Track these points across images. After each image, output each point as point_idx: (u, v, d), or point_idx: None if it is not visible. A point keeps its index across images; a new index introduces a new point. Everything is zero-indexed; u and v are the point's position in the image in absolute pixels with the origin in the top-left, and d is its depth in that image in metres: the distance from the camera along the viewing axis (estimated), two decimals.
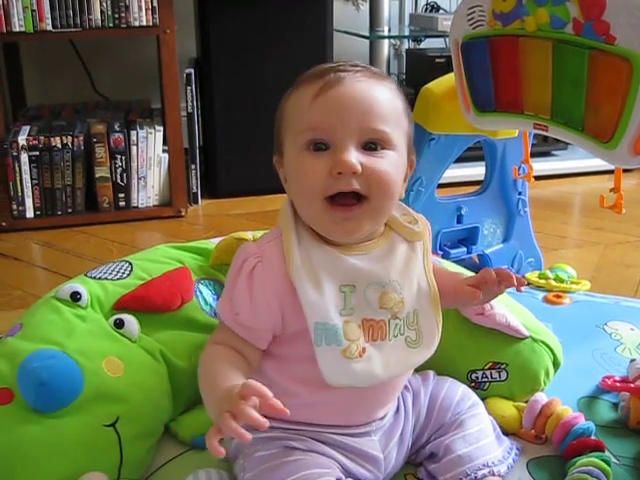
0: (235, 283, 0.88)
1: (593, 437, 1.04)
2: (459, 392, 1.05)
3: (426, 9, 2.89)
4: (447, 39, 2.57)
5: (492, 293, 0.97)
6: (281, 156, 0.92)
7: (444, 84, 1.44)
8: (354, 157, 0.84)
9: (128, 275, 1.15)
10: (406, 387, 1.03)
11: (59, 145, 2.11)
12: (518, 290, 0.95)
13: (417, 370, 1.05)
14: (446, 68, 1.41)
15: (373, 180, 0.85)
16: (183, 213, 2.24)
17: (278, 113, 0.93)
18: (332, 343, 0.86)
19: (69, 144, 2.12)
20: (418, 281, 0.94)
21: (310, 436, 0.93)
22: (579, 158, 2.57)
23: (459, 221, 1.60)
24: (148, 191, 2.23)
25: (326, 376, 0.86)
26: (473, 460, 0.96)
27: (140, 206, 2.24)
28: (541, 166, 2.37)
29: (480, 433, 1.00)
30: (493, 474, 0.96)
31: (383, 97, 0.87)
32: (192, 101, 2.25)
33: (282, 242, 0.89)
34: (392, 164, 0.87)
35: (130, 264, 1.18)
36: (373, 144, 0.86)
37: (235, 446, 0.96)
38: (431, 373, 1.08)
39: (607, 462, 0.98)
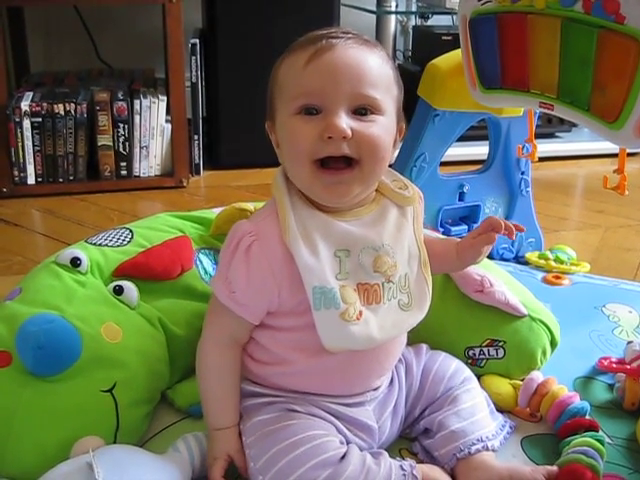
0: (230, 262, 0.89)
1: (588, 417, 1.04)
2: (452, 366, 1.06)
3: None
4: (454, 16, 2.56)
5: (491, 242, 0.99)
6: (273, 122, 0.93)
7: (450, 60, 1.43)
8: (344, 122, 0.85)
9: (128, 242, 1.15)
10: (399, 360, 1.04)
11: (62, 112, 2.10)
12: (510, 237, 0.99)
13: (411, 344, 1.06)
14: (453, 46, 1.40)
15: (363, 144, 0.86)
16: (185, 184, 2.23)
17: (271, 79, 0.93)
18: (331, 306, 0.87)
19: (72, 111, 2.11)
20: (409, 245, 0.96)
21: (308, 403, 0.94)
22: (583, 140, 2.56)
23: (461, 199, 1.60)
24: (150, 161, 2.23)
25: (324, 340, 0.88)
26: (467, 435, 0.97)
27: (142, 175, 2.23)
28: (545, 147, 2.35)
29: (474, 408, 1.01)
30: (487, 449, 0.96)
31: (374, 64, 0.88)
32: (196, 72, 2.24)
33: (277, 214, 0.90)
34: (382, 128, 0.88)
35: (131, 231, 1.18)
36: (363, 109, 0.87)
37: None
38: (424, 347, 1.08)
39: (601, 442, 0.98)
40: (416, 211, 0.99)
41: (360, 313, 0.89)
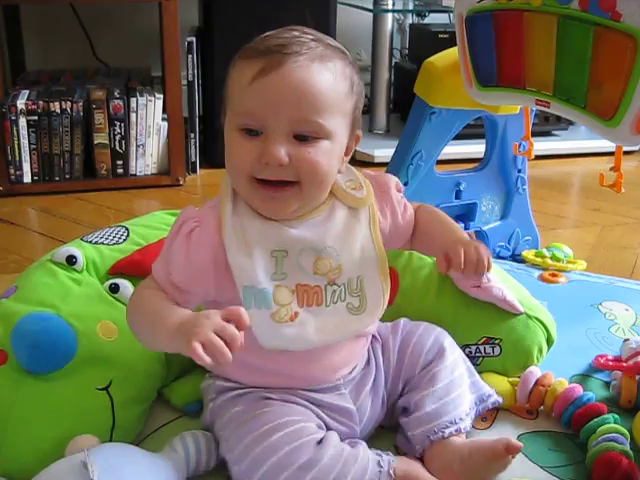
0: (171, 244, 0.89)
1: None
2: (431, 338, 1.04)
3: None
4: (451, 14, 2.55)
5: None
6: (224, 119, 0.92)
7: (447, 58, 1.43)
8: (282, 149, 0.84)
9: (124, 240, 1.15)
10: (375, 337, 1.04)
11: (58, 110, 2.10)
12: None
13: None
14: (449, 44, 1.40)
15: (302, 169, 0.86)
16: (181, 182, 2.23)
17: (227, 77, 0.92)
18: (262, 306, 0.88)
19: (68, 109, 2.10)
20: (362, 247, 0.95)
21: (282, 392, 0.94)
22: (580, 139, 2.57)
23: (457, 197, 1.60)
24: (146, 159, 2.22)
25: (260, 339, 0.88)
26: (441, 417, 0.97)
27: (138, 174, 2.23)
28: (541, 146, 2.36)
29: (450, 385, 1.00)
30: (460, 431, 0.97)
31: (323, 85, 0.86)
32: (193, 70, 2.23)
33: (219, 208, 0.90)
34: (323, 153, 0.87)
35: (127, 229, 1.18)
36: (304, 134, 0.86)
37: (211, 410, 0.97)
38: (402, 321, 1.08)
39: (617, 422, 1.01)
40: (371, 210, 0.97)
41: (295, 314, 0.89)
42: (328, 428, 0.94)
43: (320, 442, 0.87)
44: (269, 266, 0.89)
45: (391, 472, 0.89)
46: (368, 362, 1.01)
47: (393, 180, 1.02)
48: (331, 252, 0.92)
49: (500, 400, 1.05)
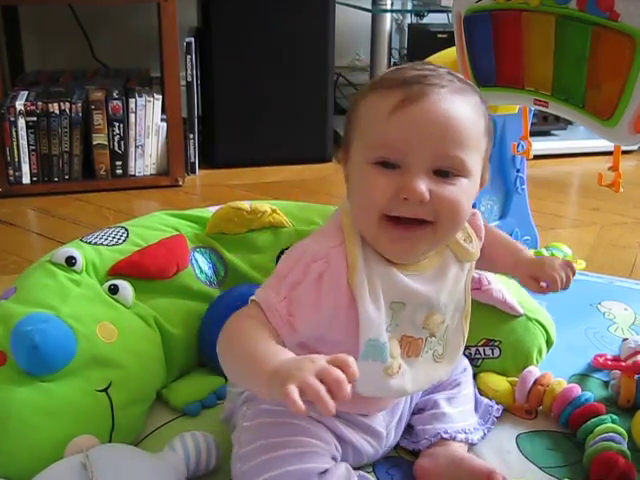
0: (298, 284, 0.82)
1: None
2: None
3: None
4: (450, 14, 2.55)
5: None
6: (347, 154, 0.87)
7: (445, 58, 1.42)
8: (424, 184, 0.79)
9: (124, 241, 1.15)
10: None
11: (57, 111, 2.09)
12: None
13: None
14: (448, 44, 1.40)
15: (441, 208, 0.80)
16: (180, 182, 2.23)
17: (351, 110, 0.87)
18: (378, 360, 0.84)
19: (67, 110, 2.10)
20: (458, 298, 0.93)
21: None
22: (578, 138, 2.56)
23: None
24: (145, 160, 2.22)
25: (360, 387, 0.82)
26: (455, 422, 0.99)
27: (137, 174, 2.23)
28: (540, 145, 2.36)
29: (465, 398, 1.03)
30: (467, 441, 0.98)
31: (466, 119, 0.81)
32: (192, 70, 2.23)
33: (345, 248, 0.84)
34: (463, 192, 0.82)
35: (126, 230, 1.17)
36: (446, 171, 0.81)
37: (242, 399, 0.95)
38: None
39: (615, 422, 1.01)
40: (472, 263, 0.94)
41: (399, 367, 0.87)
42: (356, 449, 0.93)
43: (325, 472, 0.85)
44: (387, 318, 0.85)
45: None
46: None
47: (481, 218, 0.98)
48: (442, 308, 0.89)
49: (500, 408, 1.08)
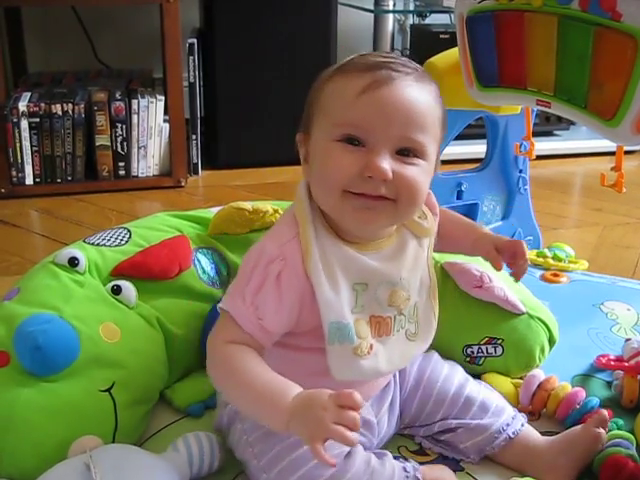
0: (260, 288, 0.84)
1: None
2: (446, 364, 1.06)
3: None
4: (452, 15, 2.55)
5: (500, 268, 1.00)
6: (307, 135, 0.89)
7: (448, 58, 1.43)
8: (387, 163, 0.82)
9: (126, 242, 1.15)
10: None
11: (60, 112, 2.10)
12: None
13: None
14: (450, 44, 1.40)
15: (402, 187, 0.83)
16: (183, 183, 2.23)
17: (313, 94, 0.89)
18: (345, 341, 0.86)
19: (70, 111, 2.11)
20: (422, 274, 0.95)
21: None
22: (581, 138, 2.56)
23: (459, 197, 1.60)
24: (148, 160, 2.23)
25: (334, 372, 0.86)
26: (488, 429, 0.99)
27: (140, 175, 2.23)
28: (543, 146, 2.36)
29: (485, 402, 1.02)
30: (509, 438, 0.99)
31: (427, 106, 0.85)
32: (194, 71, 2.24)
33: (299, 238, 0.86)
34: (422, 173, 0.85)
35: (129, 231, 1.17)
36: (407, 151, 0.84)
37: (228, 413, 0.96)
38: None
39: (621, 427, 1.02)
40: (431, 240, 0.97)
41: (371, 346, 0.88)
42: None
43: (347, 455, 0.87)
44: (351, 299, 0.87)
45: (418, 475, 0.90)
46: None
47: (433, 196, 1.01)
48: (405, 284, 0.91)
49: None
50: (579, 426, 0.99)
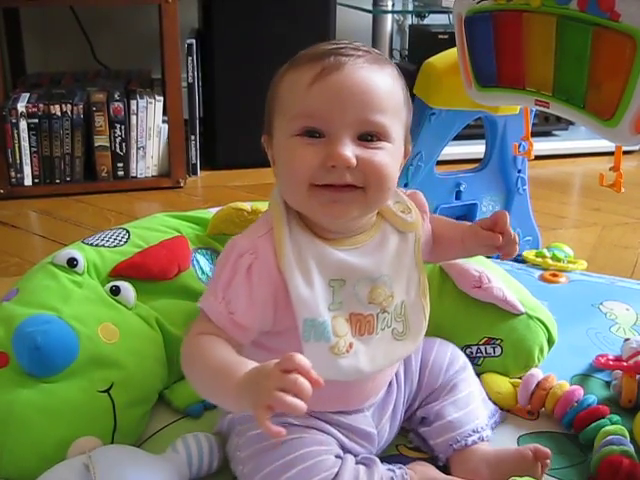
0: (231, 281, 0.83)
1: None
2: (448, 354, 1.05)
3: None
4: (451, 15, 2.55)
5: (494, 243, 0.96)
6: (271, 137, 0.89)
7: (446, 59, 1.43)
8: (349, 150, 0.80)
9: (125, 242, 1.15)
10: None
11: (58, 113, 2.10)
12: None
13: None
14: (449, 45, 1.40)
15: (369, 173, 0.82)
16: (182, 184, 2.23)
17: (270, 91, 0.89)
18: (321, 339, 0.84)
19: (68, 112, 2.10)
20: (408, 272, 0.92)
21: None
22: (580, 139, 2.56)
23: (458, 197, 1.60)
24: (147, 161, 2.23)
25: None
26: (463, 426, 0.98)
27: (139, 176, 2.23)
28: (542, 146, 2.36)
29: (469, 397, 1.02)
30: (482, 439, 0.98)
31: (384, 86, 0.83)
32: (193, 72, 2.24)
33: (273, 235, 0.85)
34: (389, 156, 0.83)
35: (127, 232, 1.17)
36: (369, 135, 0.82)
37: (228, 422, 0.95)
38: None
39: (617, 422, 1.02)
40: (418, 235, 0.94)
41: (350, 345, 0.86)
42: (346, 449, 0.92)
43: (336, 475, 0.85)
44: (327, 296, 0.85)
45: (406, 478, 0.89)
46: (390, 384, 1.00)
47: (423, 197, 1.00)
48: (386, 280, 0.89)
49: (504, 415, 1.08)
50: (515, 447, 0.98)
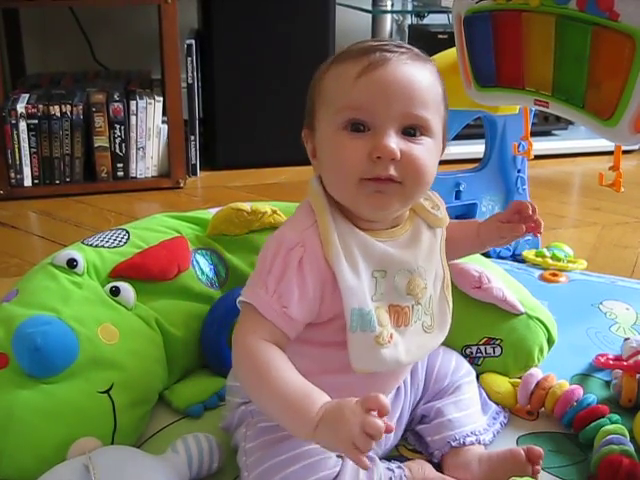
0: (283, 275, 0.83)
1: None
2: (453, 361, 1.07)
3: None
4: (450, 15, 2.55)
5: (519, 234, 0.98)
6: (312, 130, 0.90)
7: (445, 59, 1.42)
8: (394, 142, 0.82)
9: (125, 243, 1.15)
10: None
11: (58, 114, 2.10)
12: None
13: None
14: (449, 44, 1.40)
15: (410, 167, 0.83)
16: (181, 184, 2.23)
17: (313, 86, 0.90)
18: (367, 329, 0.85)
19: (68, 113, 2.10)
20: (436, 267, 0.94)
21: None
22: (579, 138, 2.56)
23: (457, 197, 1.60)
24: (147, 162, 2.22)
25: (354, 362, 0.85)
26: (462, 426, 0.99)
27: (138, 176, 2.23)
28: (541, 145, 2.36)
29: (470, 401, 1.03)
30: (479, 442, 0.98)
31: (426, 82, 0.85)
32: (192, 72, 2.23)
33: (317, 226, 0.86)
34: (429, 151, 0.85)
35: (127, 232, 1.17)
36: (412, 129, 0.84)
37: (240, 414, 0.95)
38: None
39: (618, 422, 1.02)
40: (444, 231, 0.97)
41: (391, 336, 0.87)
42: None
43: (337, 476, 0.85)
44: (371, 287, 0.87)
45: (404, 478, 0.90)
46: (398, 389, 1.00)
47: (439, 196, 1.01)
48: (422, 272, 0.91)
49: (507, 415, 1.08)
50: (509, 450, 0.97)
